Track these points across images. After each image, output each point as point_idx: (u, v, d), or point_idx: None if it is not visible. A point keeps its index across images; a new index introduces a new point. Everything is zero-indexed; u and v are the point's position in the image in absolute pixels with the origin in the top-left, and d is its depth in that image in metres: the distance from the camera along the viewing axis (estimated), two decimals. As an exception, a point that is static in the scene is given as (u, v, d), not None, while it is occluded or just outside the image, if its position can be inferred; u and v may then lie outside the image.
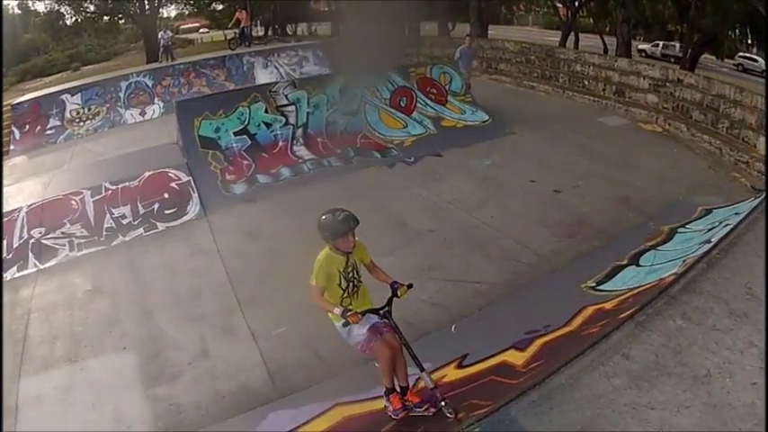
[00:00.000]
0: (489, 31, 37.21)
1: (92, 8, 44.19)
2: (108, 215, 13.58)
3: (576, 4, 36.86)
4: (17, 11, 46.52)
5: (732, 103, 17.42)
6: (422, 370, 6.38)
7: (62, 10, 44.78)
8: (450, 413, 6.14)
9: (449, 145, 17.47)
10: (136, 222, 13.62)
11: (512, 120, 19.80)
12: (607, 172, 14.91)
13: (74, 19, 45.77)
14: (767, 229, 7.14)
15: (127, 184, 14.27)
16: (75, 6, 43.84)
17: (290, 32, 51.22)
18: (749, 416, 4.56)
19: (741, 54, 38.92)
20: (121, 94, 26.80)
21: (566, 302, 8.80)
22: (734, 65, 38.97)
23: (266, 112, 17.06)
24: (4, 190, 13.69)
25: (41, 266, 12.31)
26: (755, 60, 36.92)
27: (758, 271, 6.45)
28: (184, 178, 14.77)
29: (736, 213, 10.22)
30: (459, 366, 7.52)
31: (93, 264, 12.27)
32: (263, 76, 30.12)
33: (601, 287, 9.33)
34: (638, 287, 8.57)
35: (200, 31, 61.96)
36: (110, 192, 14.01)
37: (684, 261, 8.44)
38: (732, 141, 16.76)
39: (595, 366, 5.33)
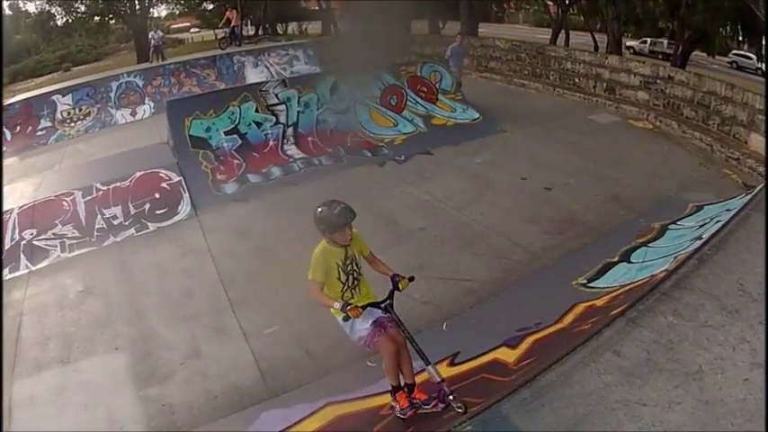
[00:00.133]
0: (480, 29, 37.17)
1: (82, 8, 44.08)
2: (99, 216, 13.56)
3: (567, 1, 36.81)
4: (8, 12, 46.42)
5: (723, 99, 17.45)
6: (428, 363, 6.25)
7: (53, 10, 44.69)
8: (459, 408, 5.99)
9: (439, 143, 17.49)
10: (127, 223, 13.59)
11: (502, 118, 19.81)
12: (598, 169, 14.93)
13: (65, 19, 45.65)
14: (767, 226, 7.14)
15: (118, 184, 14.26)
16: (65, 7, 43.73)
17: (280, 32, 51.13)
18: (741, 411, 4.57)
19: (735, 52, 38.88)
20: (112, 95, 26.75)
21: (557, 300, 8.81)
22: (728, 62, 38.92)
23: (257, 111, 17.05)
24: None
25: (33, 268, 12.28)
26: (749, 58, 36.96)
27: (749, 267, 6.47)
28: (175, 178, 14.76)
29: (727, 210, 10.23)
30: (451, 364, 7.50)
31: (84, 265, 12.24)
32: (253, 76, 30.09)
33: (592, 284, 9.34)
34: (629, 284, 8.58)
35: (191, 30, 61.90)
36: (101, 192, 13.99)
37: (675, 258, 8.45)
38: (723, 138, 16.80)
39: (587, 363, 5.33)
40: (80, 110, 25.64)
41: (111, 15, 45.17)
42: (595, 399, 4.88)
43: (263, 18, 49.83)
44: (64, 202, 13.68)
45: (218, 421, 7.38)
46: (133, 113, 26.56)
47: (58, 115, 25.12)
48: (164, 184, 14.58)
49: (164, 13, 58.34)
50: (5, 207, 13.44)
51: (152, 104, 26.95)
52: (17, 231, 12.98)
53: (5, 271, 12.07)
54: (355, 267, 6.38)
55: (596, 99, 22.53)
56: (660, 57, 38.43)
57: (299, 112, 17.63)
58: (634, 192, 13.43)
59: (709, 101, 17.99)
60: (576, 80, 24.38)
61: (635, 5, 36.12)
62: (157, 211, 13.96)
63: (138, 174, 14.64)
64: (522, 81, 26.87)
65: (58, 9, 44.44)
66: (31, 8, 45.66)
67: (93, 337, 9.53)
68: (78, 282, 11.48)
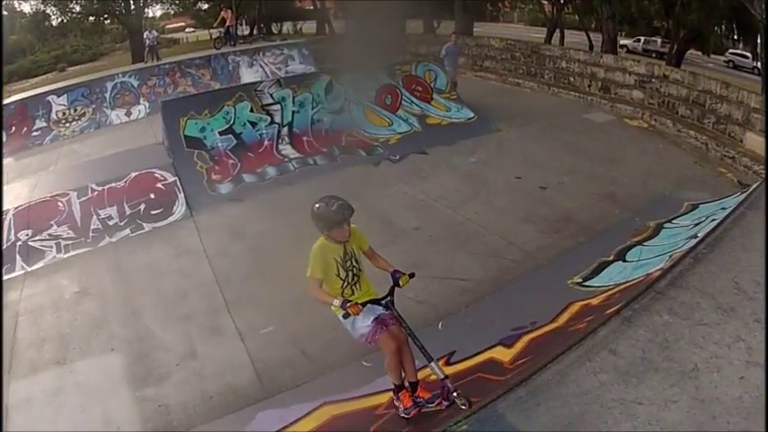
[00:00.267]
0: (474, 29, 37.22)
1: (77, 8, 43.98)
2: (94, 216, 13.55)
3: (562, 0, 36.89)
4: (4, 12, 46.36)
5: (718, 98, 17.49)
6: (430, 360, 6.17)
7: (48, 11, 44.58)
8: (463, 404, 5.87)
9: (434, 142, 17.51)
10: (122, 223, 13.58)
11: (497, 117, 19.83)
12: (593, 168, 14.95)
13: (60, 20, 45.53)
14: (767, 225, 7.15)
15: (113, 184, 14.25)
16: (60, 7, 43.64)
17: (275, 31, 51.11)
18: (737, 410, 4.56)
19: (732, 51, 38.85)
20: (107, 95, 26.73)
21: (552, 299, 8.81)
22: (725, 61, 38.90)
23: (252, 111, 17.04)
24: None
25: (29, 269, 12.27)
26: (746, 57, 36.92)
27: (745, 265, 6.47)
28: (170, 178, 14.74)
29: (722, 208, 10.24)
30: (447, 364, 7.47)
31: (80, 265, 12.23)
32: (248, 76, 30.13)
33: (587, 283, 9.35)
34: (624, 283, 8.59)
35: (186, 30, 61.82)
36: (96, 193, 13.98)
37: (671, 256, 8.47)
38: (718, 136, 16.84)
39: (582, 362, 5.32)
40: (75, 110, 25.63)
41: (106, 15, 45.05)
42: (591, 398, 4.88)
43: (257, 18, 49.78)
44: (59, 203, 13.67)
45: (214, 422, 7.37)
46: (128, 114, 26.57)
47: (54, 116, 25.11)
48: (159, 185, 14.57)
49: (158, 13, 58.32)
50: (2, 208, 13.46)
51: (147, 104, 26.95)
52: (13, 232, 12.95)
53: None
54: (355, 263, 6.31)
55: (591, 98, 22.56)
56: (653, 55, 38.66)
57: (293, 111, 17.62)
58: (629, 190, 13.45)
59: (705, 99, 18.03)
60: (571, 79, 24.40)
61: (630, 4, 36.07)
62: (153, 212, 13.95)
63: (134, 174, 14.63)
64: (516, 80, 26.91)
65: (53, 9, 44.30)
66: (27, 8, 45.60)
67: (89, 338, 9.52)
68: (74, 282, 11.47)
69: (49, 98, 25.52)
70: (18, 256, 12.51)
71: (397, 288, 6.33)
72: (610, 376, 5.05)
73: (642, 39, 43.18)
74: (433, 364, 6.18)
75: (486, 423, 4.99)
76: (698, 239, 7.80)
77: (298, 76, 24.25)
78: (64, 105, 25.49)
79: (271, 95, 17.47)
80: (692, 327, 5.52)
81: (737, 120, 16.44)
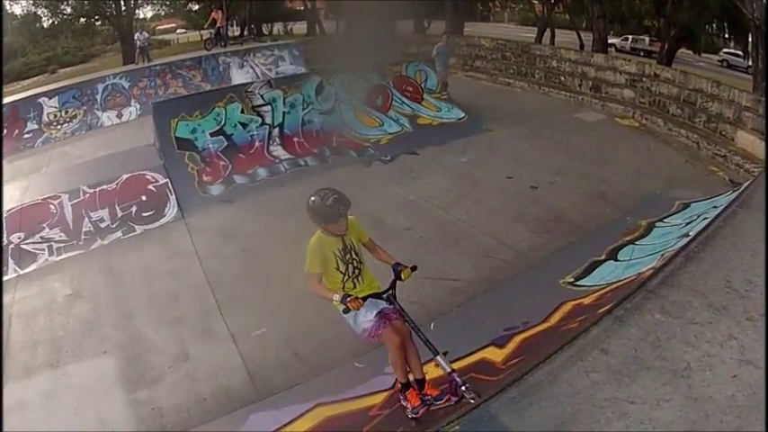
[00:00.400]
0: (465, 29, 37.25)
1: (68, 10, 43.91)
2: (86, 219, 13.53)
3: (552, 0, 36.94)
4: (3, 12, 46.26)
5: (709, 97, 17.50)
6: (436, 354, 6.08)
7: (39, 12, 44.52)
8: (472, 398, 5.71)
9: (425, 143, 17.54)
10: (114, 225, 13.57)
11: (488, 117, 19.86)
12: (584, 167, 14.98)
13: (51, 21, 45.48)
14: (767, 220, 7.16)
15: (104, 187, 14.22)
16: (51, 8, 43.56)
17: (265, 32, 51.11)
18: (730, 408, 4.57)
19: (726, 50, 38.88)
20: (98, 97, 26.65)
21: (544, 298, 8.81)
22: (718, 60, 38.92)
23: (242, 112, 17.02)
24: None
25: (21, 272, 12.24)
26: (740, 56, 36.93)
27: (736, 264, 6.48)
28: (161, 180, 14.72)
29: (714, 207, 10.26)
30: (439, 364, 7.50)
31: (72, 268, 12.21)
32: (239, 77, 30.15)
33: (579, 282, 9.36)
34: (616, 282, 8.60)
35: (177, 31, 61.75)
36: (88, 195, 13.95)
37: (662, 255, 8.48)
38: (709, 135, 16.88)
39: (574, 362, 5.32)
40: (66, 112, 25.55)
41: (96, 17, 44.98)
42: (583, 397, 4.88)
43: (248, 18, 49.74)
44: (51, 206, 13.63)
45: (207, 424, 7.36)
46: (119, 115, 26.53)
47: (45, 118, 25.02)
48: (150, 187, 14.54)
49: (149, 15, 58.22)
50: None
51: (138, 106, 26.88)
52: (5, 235, 12.89)
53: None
54: (355, 256, 6.24)
55: (582, 97, 22.62)
56: (642, 54, 38.98)
57: (284, 112, 17.61)
58: (620, 190, 13.47)
59: (696, 98, 18.04)
60: (562, 78, 24.44)
61: (620, 3, 36.16)
62: (144, 214, 13.94)
63: (125, 176, 14.60)
64: (507, 80, 26.98)
65: (44, 11, 44.28)
66: (17, 10, 45.51)
67: (81, 341, 9.50)
68: (66, 285, 11.45)
69: (41, 100, 25.43)
70: (10, 259, 12.46)
71: (398, 281, 6.24)
72: (602, 375, 5.06)
73: (630, 38, 43.31)
74: (439, 357, 6.10)
75: (478, 423, 4.99)
76: (689, 238, 7.81)
77: (288, 77, 24.21)
78: (55, 107, 25.40)
79: (261, 96, 17.45)
80: (684, 325, 5.53)
81: (729, 118, 16.45)
